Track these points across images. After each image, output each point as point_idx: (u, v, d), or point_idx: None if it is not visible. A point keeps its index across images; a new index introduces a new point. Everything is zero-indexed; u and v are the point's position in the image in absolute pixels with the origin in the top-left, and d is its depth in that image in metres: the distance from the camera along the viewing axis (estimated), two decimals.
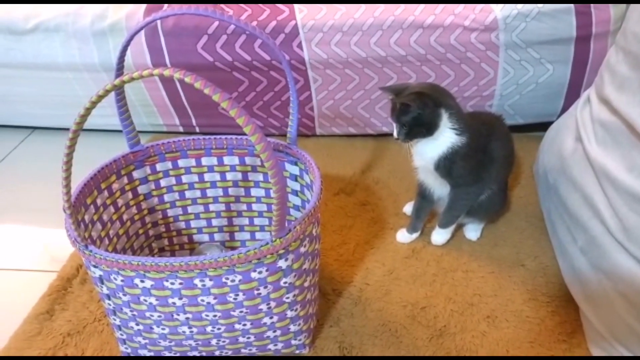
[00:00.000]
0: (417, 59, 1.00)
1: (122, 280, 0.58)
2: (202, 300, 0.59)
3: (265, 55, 1.01)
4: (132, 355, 0.69)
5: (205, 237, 0.86)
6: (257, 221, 0.85)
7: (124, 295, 0.59)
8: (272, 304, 0.62)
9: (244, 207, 0.83)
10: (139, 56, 1.02)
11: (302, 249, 0.61)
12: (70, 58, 1.04)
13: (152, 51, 1.02)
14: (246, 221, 0.85)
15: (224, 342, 0.65)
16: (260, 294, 0.60)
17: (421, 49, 0.99)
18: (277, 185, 0.50)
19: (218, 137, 0.75)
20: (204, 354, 0.68)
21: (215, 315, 0.61)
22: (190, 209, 0.82)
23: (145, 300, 0.59)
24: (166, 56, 1.02)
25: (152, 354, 0.67)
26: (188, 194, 0.81)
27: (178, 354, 0.67)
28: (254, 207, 0.83)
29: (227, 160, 0.78)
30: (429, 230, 0.91)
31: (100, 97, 0.49)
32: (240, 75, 1.05)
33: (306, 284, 0.65)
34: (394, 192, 1.01)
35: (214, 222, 0.84)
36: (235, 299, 0.60)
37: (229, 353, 0.68)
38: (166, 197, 0.80)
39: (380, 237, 0.91)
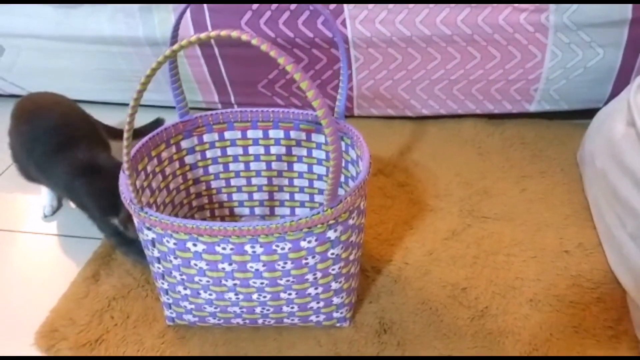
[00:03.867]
0: (463, 39, 0.98)
1: (174, 244, 0.59)
2: (251, 267, 0.60)
3: (308, 33, 1.00)
4: (176, 319, 0.70)
5: (246, 211, 0.87)
6: (297, 197, 0.85)
7: (175, 258, 0.60)
8: (319, 274, 0.62)
9: (286, 182, 0.83)
10: (183, 30, 1.03)
11: (351, 221, 0.61)
12: (116, 32, 1.05)
13: (196, 26, 1.02)
14: (287, 196, 0.85)
15: (268, 310, 0.66)
16: (307, 263, 0.60)
17: (468, 29, 0.97)
18: (335, 153, 0.50)
19: (265, 109, 0.76)
20: (247, 322, 0.69)
21: (262, 283, 0.62)
22: (233, 182, 0.83)
23: (196, 265, 0.60)
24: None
25: (196, 319, 0.69)
26: (232, 166, 0.81)
27: (222, 321, 0.69)
28: (296, 182, 0.83)
29: (272, 133, 0.78)
30: (471, 212, 0.90)
31: (167, 57, 0.49)
32: None
33: (351, 257, 0.65)
34: (434, 175, 1.00)
35: (255, 196, 0.85)
36: (283, 267, 0.60)
37: (272, 322, 0.69)
38: (211, 169, 0.81)
39: (420, 218, 0.90)
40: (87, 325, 0.73)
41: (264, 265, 0.60)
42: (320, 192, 0.83)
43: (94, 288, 0.79)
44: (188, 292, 0.64)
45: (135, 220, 0.60)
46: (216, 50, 1.06)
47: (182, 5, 1.01)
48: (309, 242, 0.58)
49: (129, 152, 0.54)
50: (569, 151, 1.04)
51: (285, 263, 0.60)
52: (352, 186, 0.59)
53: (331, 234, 0.59)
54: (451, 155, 1.05)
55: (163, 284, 0.65)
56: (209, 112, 0.76)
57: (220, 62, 1.09)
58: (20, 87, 1.25)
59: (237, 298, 0.64)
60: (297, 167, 0.81)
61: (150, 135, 0.70)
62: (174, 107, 1.23)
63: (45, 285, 0.82)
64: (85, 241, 0.90)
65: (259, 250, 0.58)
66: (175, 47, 0.49)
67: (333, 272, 0.63)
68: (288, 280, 0.62)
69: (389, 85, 1.09)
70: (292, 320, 0.68)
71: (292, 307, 0.66)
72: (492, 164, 1.02)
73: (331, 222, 0.57)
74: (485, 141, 1.08)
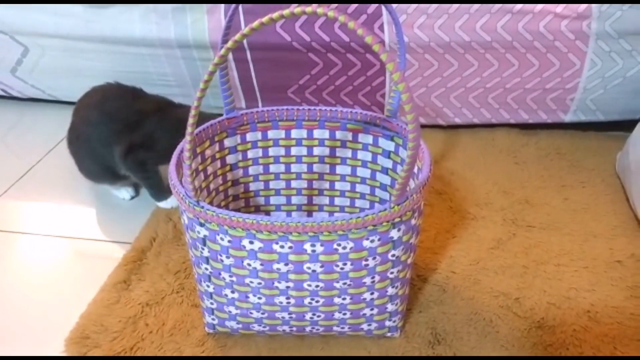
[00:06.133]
0: (502, 46, 0.97)
1: (229, 241, 0.55)
2: (308, 268, 0.56)
3: (344, 37, 0.99)
4: (217, 326, 0.66)
5: (283, 215, 0.83)
6: (337, 201, 0.82)
7: (227, 258, 0.57)
8: (377, 277, 0.59)
9: (327, 185, 0.80)
10: (216, 33, 1.01)
11: (413, 221, 0.57)
12: (147, 33, 1.03)
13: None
14: (326, 200, 0.82)
15: (318, 316, 0.62)
16: (367, 265, 0.57)
17: (508, 36, 0.95)
18: (414, 142, 0.47)
19: (312, 107, 0.73)
20: (294, 329, 0.64)
21: (317, 286, 0.58)
22: (272, 184, 0.80)
23: (249, 265, 0.56)
24: None
25: (239, 326, 0.64)
26: (272, 168, 0.78)
27: (267, 328, 0.64)
28: (337, 185, 0.80)
29: (317, 133, 0.75)
30: (514, 221, 0.87)
31: (230, 48, 0.47)
32: (315, 56, 1.03)
33: (409, 261, 0.61)
34: (472, 183, 0.97)
35: (294, 199, 0.82)
36: (342, 268, 0.56)
37: (320, 330, 0.65)
38: (250, 170, 0.77)
39: (462, 227, 0.87)
40: (121, 332, 0.68)
41: (321, 266, 0.56)
42: (362, 196, 0.80)
43: (126, 294, 0.74)
44: (236, 295, 0.60)
45: (187, 216, 0.56)
46: (248, 54, 1.04)
47: (220, 6, 1.00)
48: (372, 241, 0.55)
49: (192, 139, 0.50)
50: (607, 162, 1.01)
51: (345, 264, 0.56)
52: (416, 184, 0.56)
53: (394, 234, 0.55)
54: (487, 164, 1.03)
55: (208, 286, 0.61)
56: (255, 110, 0.73)
57: (251, 66, 1.06)
58: (40, 89, 1.22)
59: (288, 302, 0.60)
60: (339, 169, 0.78)
61: (196, 130, 0.67)
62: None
63: (73, 290, 0.77)
64: (113, 245, 0.86)
65: (319, 249, 0.54)
66: (238, 36, 0.46)
67: (391, 275, 0.59)
68: (345, 284, 0.58)
69: (423, 92, 1.07)
70: (342, 328, 0.64)
71: (345, 314, 0.62)
72: (530, 174, 0.99)
73: (396, 220, 0.54)
74: (520, 151, 1.06)
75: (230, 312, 0.63)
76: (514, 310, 0.71)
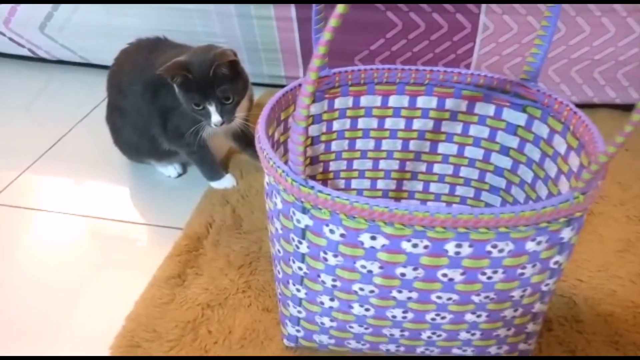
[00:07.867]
0: (624, 8, 0.80)
1: (341, 235, 0.41)
2: (444, 276, 0.42)
3: None
4: (301, 339, 0.52)
5: None
6: (433, 187, 0.67)
7: (335, 256, 0.42)
8: (528, 290, 0.44)
9: (423, 167, 0.65)
10: None
11: (584, 217, 0.42)
12: None
13: None
14: (419, 186, 0.67)
15: (438, 336, 0.48)
16: (523, 274, 0.42)
17: None
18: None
19: (421, 67, 0.58)
20: (400, 349, 0.50)
21: (449, 299, 0.44)
22: (355, 164, 0.65)
23: (363, 267, 0.42)
24: None
25: (332, 341, 0.51)
26: (359, 143, 0.64)
27: (366, 346, 0.50)
28: (435, 168, 0.65)
29: (420, 102, 0.60)
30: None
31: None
32: (394, 16, 0.87)
33: (563, 268, 0.46)
34: None
35: (379, 184, 0.67)
36: (489, 278, 0.42)
37: (435, 352, 0.50)
38: (333, 145, 0.63)
39: None
40: (179, 342, 0.55)
41: (462, 274, 0.42)
42: (467, 182, 0.65)
43: (181, 291, 0.61)
44: (335, 304, 0.46)
45: (283, 198, 0.42)
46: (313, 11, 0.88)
47: None
48: (538, 243, 0.40)
49: (310, 100, 0.36)
50: None
51: (495, 272, 0.42)
52: (589, 168, 0.41)
53: (566, 234, 0.41)
54: None
55: (299, 291, 0.47)
56: (349, 68, 0.58)
57: None
58: (71, 50, 1.08)
59: (404, 317, 0.46)
60: (442, 148, 0.63)
61: (283, 91, 0.52)
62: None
63: (115, 281, 0.64)
64: (159, 230, 0.72)
65: (466, 250, 0.40)
66: None
67: (545, 288, 0.45)
68: (486, 297, 0.44)
69: (517, 63, 0.90)
70: (464, 350, 0.50)
71: (473, 334, 0.48)
72: None
73: (577, 214, 0.39)
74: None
75: (322, 324, 0.49)
76: None
